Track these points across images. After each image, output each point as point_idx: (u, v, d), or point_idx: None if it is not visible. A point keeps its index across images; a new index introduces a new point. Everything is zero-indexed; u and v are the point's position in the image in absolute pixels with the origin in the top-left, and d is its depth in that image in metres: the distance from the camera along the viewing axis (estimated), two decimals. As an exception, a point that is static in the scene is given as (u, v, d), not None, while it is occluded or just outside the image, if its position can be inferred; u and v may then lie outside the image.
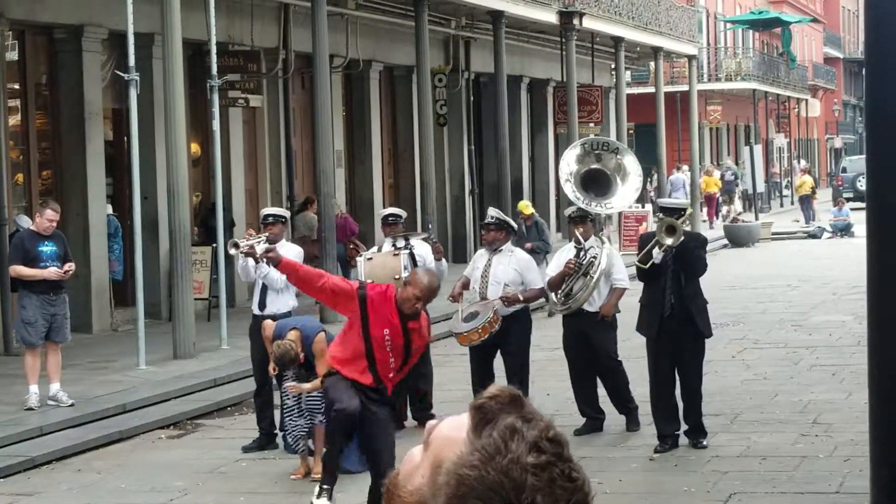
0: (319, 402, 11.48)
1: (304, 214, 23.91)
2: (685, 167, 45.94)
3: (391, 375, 9.80)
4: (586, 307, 13.08)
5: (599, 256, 13.02)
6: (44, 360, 14.66)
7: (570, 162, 13.95)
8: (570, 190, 13.72)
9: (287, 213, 14.54)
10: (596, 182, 13.74)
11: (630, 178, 13.99)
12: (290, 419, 11.84)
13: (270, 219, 14.03)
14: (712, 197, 47.22)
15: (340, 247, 22.39)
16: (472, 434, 1.95)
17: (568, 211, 13.78)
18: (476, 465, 1.92)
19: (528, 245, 21.18)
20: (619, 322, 13.34)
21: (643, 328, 12.61)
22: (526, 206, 24.48)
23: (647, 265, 12.28)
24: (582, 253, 13.09)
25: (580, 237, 13.19)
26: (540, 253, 21.94)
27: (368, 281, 13.01)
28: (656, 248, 12.21)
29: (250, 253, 13.67)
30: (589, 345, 13.16)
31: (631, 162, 14.19)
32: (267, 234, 13.83)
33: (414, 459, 2.01)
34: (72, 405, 14.55)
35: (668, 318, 12.25)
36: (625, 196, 14.14)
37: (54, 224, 14.78)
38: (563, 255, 13.32)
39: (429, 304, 10.00)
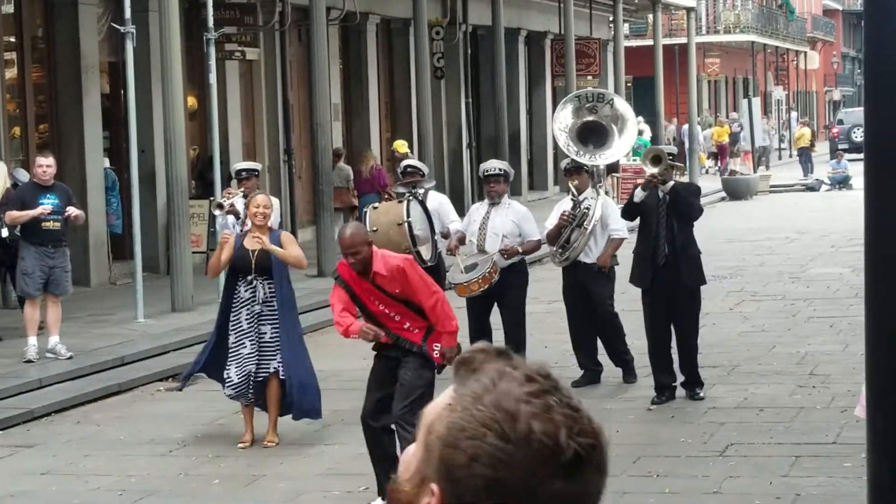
0: (274, 349, 11.35)
1: (338, 167, 24.42)
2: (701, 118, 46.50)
3: (406, 326, 9.45)
4: (583, 258, 13.08)
5: (593, 207, 13.02)
6: (44, 313, 14.68)
7: (564, 117, 13.93)
8: (563, 141, 13.70)
9: (259, 167, 14.48)
10: (594, 133, 13.72)
11: (628, 126, 13.97)
12: (242, 363, 11.28)
13: (244, 174, 13.97)
14: (724, 147, 47.54)
15: (373, 197, 23.04)
16: (456, 387, 1.83)
17: (563, 163, 13.77)
18: (465, 406, 1.78)
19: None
20: (617, 274, 13.35)
21: (636, 279, 12.61)
22: (402, 145, 22.95)
23: (631, 196, 12.45)
24: (577, 205, 13.10)
25: (574, 189, 13.20)
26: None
27: (374, 229, 12.93)
28: (639, 189, 12.33)
29: (231, 211, 13.66)
30: (587, 296, 13.17)
31: (626, 109, 14.17)
32: (242, 189, 13.79)
33: (408, 454, 1.89)
34: (70, 358, 14.58)
35: (662, 269, 12.27)
36: (622, 146, 14.13)
37: (50, 168, 14.70)
38: (560, 208, 13.33)
39: (361, 248, 9.29)
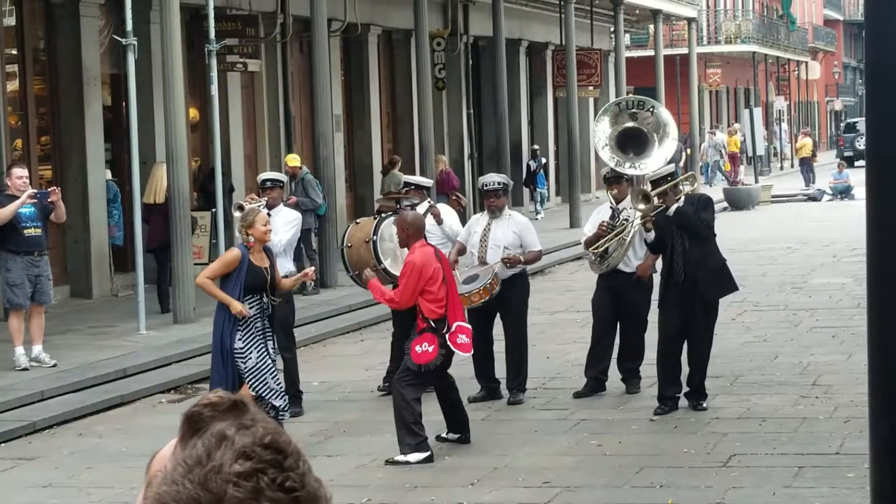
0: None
1: (391, 174, 25.39)
2: (717, 128, 46.42)
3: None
4: (622, 267, 13.04)
5: (632, 217, 12.90)
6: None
7: (603, 129, 13.79)
8: (606, 155, 13.58)
9: (285, 178, 14.51)
10: (633, 140, 13.60)
11: (669, 135, 13.83)
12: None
13: (269, 183, 13.97)
14: (736, 156, 47.56)
15: (443, 198, 23.32)
16: (178, 446, 1.77)
17: (602, 171, 13.69)
18: (175, 479, 1.73)
19: (293, 199, 20.03)
20: (654, 283, 13.25)
21: (660, 296, 12.59)
22: (293, 159, 22.56)
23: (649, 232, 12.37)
24: (616, 214, 13.04)
25: (613, 199, 13.14)
26: (308, 210, 20.41)
27: (348, 245, 13.21)
28: (648, 234, 12.28)
29: None
30: (619, 305, 13.11)
31: (668, 116, 14.03)
32: (266, 198, 13.80)
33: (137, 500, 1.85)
34: (54, 366, 14.60)
35: (681, 285, 12.17)
36: (662, 154, 13.91)
37: (26, 181, 14.73)
38: (598, 216, 13.25)
39: (399, 231, 11.13)
